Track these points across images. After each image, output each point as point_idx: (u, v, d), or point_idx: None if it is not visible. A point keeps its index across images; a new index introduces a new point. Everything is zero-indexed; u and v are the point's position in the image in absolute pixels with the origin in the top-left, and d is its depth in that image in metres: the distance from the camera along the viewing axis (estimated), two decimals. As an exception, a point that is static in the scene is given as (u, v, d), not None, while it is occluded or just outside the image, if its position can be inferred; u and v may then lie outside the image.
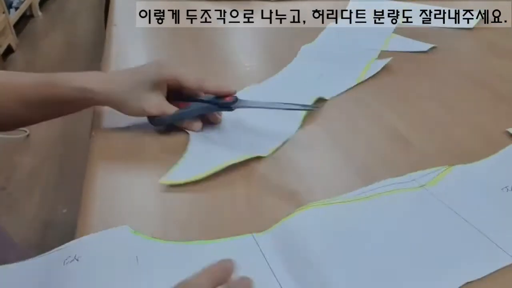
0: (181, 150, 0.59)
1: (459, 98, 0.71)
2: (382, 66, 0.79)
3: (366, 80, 0.76)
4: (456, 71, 0.80)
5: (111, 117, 0.67)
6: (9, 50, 2.96)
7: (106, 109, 0.69)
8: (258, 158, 0.58)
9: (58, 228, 1.59)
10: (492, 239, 0.44)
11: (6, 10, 2.90)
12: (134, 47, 0.96)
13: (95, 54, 2.93)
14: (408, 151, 0.59)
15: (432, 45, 0.88)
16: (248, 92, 0.73)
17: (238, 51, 0.90)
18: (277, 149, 0.60)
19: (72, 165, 1.90)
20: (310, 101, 0.68)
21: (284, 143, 0.61)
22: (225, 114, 0.65)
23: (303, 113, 0.66)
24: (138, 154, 0.60)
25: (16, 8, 3.24)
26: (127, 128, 0.64)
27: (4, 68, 2.51)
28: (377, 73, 0.78)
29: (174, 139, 0.62)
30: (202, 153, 0.59)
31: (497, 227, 0.46)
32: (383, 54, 0.85)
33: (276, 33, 0.96)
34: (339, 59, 0.85)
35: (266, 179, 0.55)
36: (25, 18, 3.60)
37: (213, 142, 0.61)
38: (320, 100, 0.70)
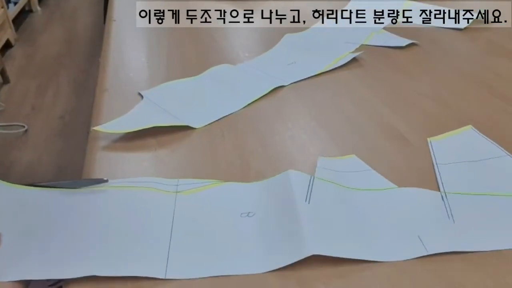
0: (178, 146, 0.61)
1: (456, 95, 0.72)
2: (351, 58, 0.83)
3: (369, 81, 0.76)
4: (455, 70, 0.80)
5: (109, 113, 0.68)
6: (7, 45, 2.95)
7: (105, 106, 0.70)
8: (190, 128, 0.64)
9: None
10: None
11: (5, 5, 2.88)
12: (133, 43, 0.97)
13: (94, 50, 2.92)
14: (406, 148, 0.59)
15: (411, 41, 0.89)
16: (220, 70, 0.82)
17: (238, 51, 0.90)
18: (210, 124, 0.66)
19: (70, 160, 1.90)
20: (268, 89, 0.74)
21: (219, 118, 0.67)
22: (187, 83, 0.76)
23: (255, 96, 0.73)
24: (136, 150, 0.61)
25: (15, 3, 3.23)
26: (125, 124, 0.65)
27: (2, 63, 2.50)
28: (375, 71, 0.79)
29: (172, 136, 0.63)
30: (142, 113, 0.68)
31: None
32: (363, 48, 0.88)
33: (276, 33, 0.96)
34: (315, 49, 0.90)
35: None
36: (24, 13, 3.58)
37: (158, 106, 0.70)
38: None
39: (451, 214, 0.48)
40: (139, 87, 0.76)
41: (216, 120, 0.67)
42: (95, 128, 0.63)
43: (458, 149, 0.59)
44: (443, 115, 0.67)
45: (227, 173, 0.56)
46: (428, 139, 0.61)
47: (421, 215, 0.49)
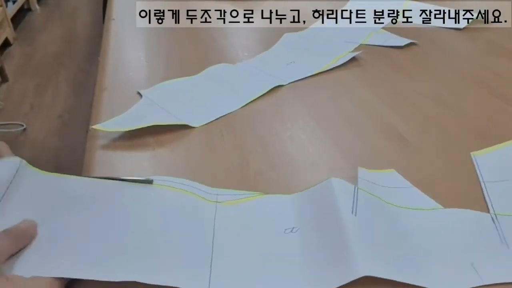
0: (177, 145, 0.61)
1: (456, 95, 0.72)
2: (351, 57, 0.82)
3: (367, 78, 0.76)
4: (455, 70, 0.80)
5: (109, 112, 0.68)
6: (6, 44, 2.95)
7: (104, 105, 0.70)
8: (189, 127, 0.64)
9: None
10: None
11: (4, 3, 2.88)
12: (132, 42, 0.97)
13: (93, 49, 2.92)
14: (407, 149, 0.59)
15: (410, 41, 0.89)
16: (219, 69, 0.82)
17: (237, 51, 0.90)
18: (209, 123, 0.66)
19: (68, 159, 1.90)
20: (267, 89, 0.74)
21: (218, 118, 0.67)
22: (187, 82, 0.76)
23: (254, 95, 0.72)
24: (134, 148, 0.61)
25: (14, 1, 3.23)
26: (124, 123, 0.65)
27: (1, 62, 2.50)
28: (375, 70, 0.79)
29: (171, 135, 0.63)
30: (141, 112, 0.68)
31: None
32: (363, 48, 0.88)
33: (276, 33, 0.96)
34: (315, 49, 0.90)
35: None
36: (23, 11, 3.58)
37: (157, 105, 0.69)
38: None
39: (504, 239, 0.45)
40: (138, 86, 0.76)
41: (215, 119, 0.67)
42: (94, 126, 0.62)
43: (505, 164, 0.55)
44: (443, 115, 0.67)
45: (225, 172, 0.56)
46: (472, 154, 0.57)
47: (472, 239, 0.45)
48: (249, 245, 0.45)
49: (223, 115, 0.68)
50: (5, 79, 2.55)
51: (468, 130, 0.63)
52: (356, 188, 0.49)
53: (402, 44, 0.88)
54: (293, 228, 0.46)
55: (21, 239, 0.39)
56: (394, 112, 0.68)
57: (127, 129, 0.62)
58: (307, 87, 0.75)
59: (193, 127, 0.65)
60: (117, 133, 0.63)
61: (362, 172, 0.53)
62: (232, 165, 0.57)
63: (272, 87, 0.74)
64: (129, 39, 0.98)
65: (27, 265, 0.39)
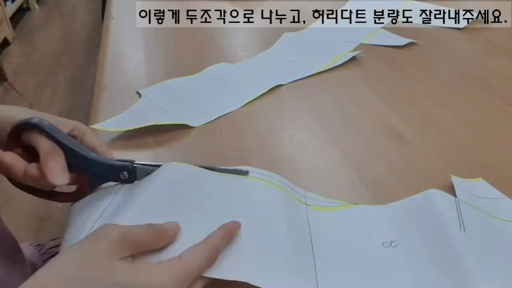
0: (176, 145, 0.61)
1: (455, 95, 0.72)
2: (350, 57, 0.82)
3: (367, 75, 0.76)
4: (454, 70, 0.80)
5: (108, 111, 0.68)
6: (5, 43, 2.95)
7: (103, 104, 0.70)
8: (188, 127, 0.64)
9: (54, 222, 1.59)
10: None
11: (3, 3, 2.88)
12: (131, 41, 0.97)
13: (92, 48, 2.91)
14: (406, 148, 0.59)
15: (410, 40, 0.89)
16: (219, 68, 0.82)
17: (237, 50, 0.90)
18: (208, 122, 0.66)
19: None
20: (267, 88, 0.74)
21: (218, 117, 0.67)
22: (186, 81, 0.77)
23: (253, 94, 0.72)
24: (134, 148, 0.61)
25: (13, 1, 3.23)
26: (123, 122, 0.65)
27: (0, 61, 2.50)
28: (374, 70, 0.79)
29: (170, 134, 0.63)
30: (140, 111, 0.67)
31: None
32: (362, 47, 0.87)
33: (275, 32, 0.96)
34: (314, 48, 0.90)
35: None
36: (22, 10, 3.58)
37: (156, 105, 0.69)
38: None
39: None
40: (137, 85, 0.75)
41: (215, 119, 0.66)
42: (93, 126, 0.62)
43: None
44: (442, 114, 0.67)
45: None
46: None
47: None
48: (349, 257, 0.42)
49: (223, 115, 0.67)
50: (4, 79, 2.55)
51: (467, 130, 0.63)
52: (457, 200, 0.46)
53: (402, 43, 0.88)
54: (392, 242, 0.44)
55: (162, 236, 0.39)
56: (393, 111, 0.68)
57: (126, 129, 0.62)
58: (307, 87, 0.75)
59: (193, 127, 0.64)
60: (116, 132, 0.62)
61: (457, 181, 0.50)
62: (232, 164, 0.56)
63: (272, 86, 0.74)
64: (129, 39, 0.98)
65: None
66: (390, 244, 0.43)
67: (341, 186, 0.53)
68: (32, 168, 0.44)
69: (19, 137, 0.45)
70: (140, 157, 0.59)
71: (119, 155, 0.59)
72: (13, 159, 0.44)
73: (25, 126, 0.44)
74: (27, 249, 0.75)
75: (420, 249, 0.42)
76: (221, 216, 0.41)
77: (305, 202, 0.48)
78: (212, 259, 0.38)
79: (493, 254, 0.41)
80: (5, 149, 0.45)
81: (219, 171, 0.46)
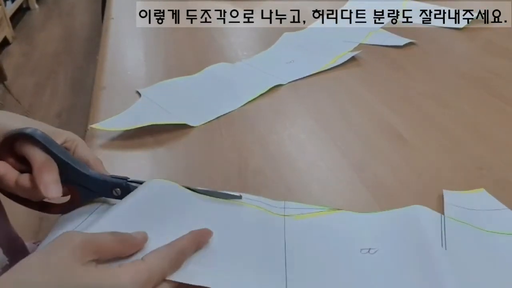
0: (176, 145, 0.61)
1: (455, 95, 0.72)
2: (350, 57, 0.82)
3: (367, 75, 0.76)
4: (453, 70, 0.80)
5: (107, 111, 0.68)
6: (5, 42, 2.95)
7: (103, 104, 0.70)
8: (188, 126, 0.64)
9: (53, 222, 1.59)
10: None
11: (2, 2, 2.88)
12: (131, 40, 0.96)
13: (92, 47, 2.91)
14: (405, 148, 0.59)
15: (409, 40, 0.89)
16: (219, 68, 0.81)
17: (236, 50, 0.90)
18: (208, 122, 0.66)
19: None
20: (266, 88, 0.74)
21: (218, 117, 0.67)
22: (186, 81, 0.77)
23: (253, 94, 0.72)
24: (133, 148, 0.60)
25: (13, 0, 3.23)
26: (123, 122, 0.65)
27: (0, 61, 2.50)
28: (374, 70, 0.79)
29: (170, 134, 0.63)
30: (139, 111, 0.67)
31: None
32: (362, 47, 0.87)
33: (275, 32, 0.95)
34: (314, 48, 0.89)
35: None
36: (22, 10, 3.58)
37: (156, 104, 0.69)
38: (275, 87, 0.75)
39: None
40: (137, 85, 0.75)
41: (214, 119, 0.66)
42: (93, 126, 0.62)
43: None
44: (442, 114, 0.67)
45: (224, 172, 0.55)
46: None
47: None
48: (324, 265, 0.42)
49: (223, 115, 0.67)
50: (4, 78, 2.55)
51: (467, 129, 0.63)
52: (442, 217, 0.46)
53: (401, 43, 0.88)
54: (370, 249, 0.43)
55: (128, 244, 0.38)
56: (393, 111, 0.68)
57: (126, 129, 0.62)
58: (307, 87, 0.75)
59: (192, 127, 0.64)
60: (116, 132, 0.62)
61: (448, 195, 0.50)
62: (231, 164, 0.57)
63: (272, 86, 0.74)
64: (128, 38, 0.98)
65: None
66: (369, 251, 0.43)
67: (340, 186, 0.53)
68: (24, 179, 0.43)
69: (11, 146, 0.45)
70: (139, 156, 0.59)
71: (118, 154, 0.59)
72: (4, 169, 0.44)
73: (18, 136, 0.44)
74: (31, 247, 0.75)
75: (398, 259, 0.42)
76: (190, 229, 0.42)
77: (284, 214, 0.48)
78: (177, 262, 0.38)
79: (478, 270, 0.41)
80: None
81: (212, 195, 0.47)
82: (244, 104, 0.70)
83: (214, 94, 0.73)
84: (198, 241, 0.40)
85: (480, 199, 0.50)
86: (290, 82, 0.76)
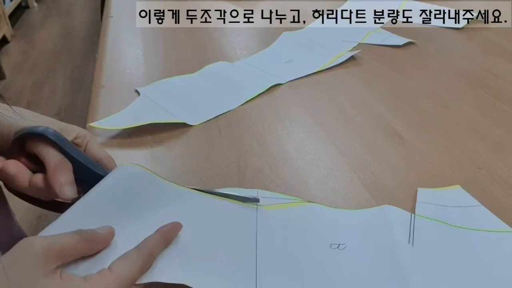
0: (175, 144, 0.61)
1: (453, 94, 0.71)
2: (349, 56, 0.82)
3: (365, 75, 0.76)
4: (452, 69, 0.80)
5: (106, 109, 0.68)
6: (3, 41, 2.94)
7: (101, 102, 0.70)
8: (187, 125, 0.64)
9: (51, 220, 1.59)
10: None
11: (1, 1, 2.87)
12: (130, 39, 0.96)
13: (91, 46, 2.91)
14: (404, 147, 0.59)
15: (409, 40, 0.89)
16: (218, 67, 0.81)
17: (236, 49, 0.90)
18: (207, 121, 0.66)
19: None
20: (265, 87, 0.74)
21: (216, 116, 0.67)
22: (185, 80, 0.77)
23: (252, 93, 0.72)
24: (132, 146, 0.60)
25: (11, -1, 3.22)
26: (122, 121, 0.65)
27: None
28: (373, 69, 0.79)
29: (168, 133, 0.63)
30: (138, 109, 0.67)
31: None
32: (361, 47, 0.87)
33: (275, 32, 0.95)
34: (313, 47, 0.89)
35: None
36: (21, 8, 3.57)
37: (155, 103, 0.69)
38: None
39: None
40: (136, 83, 0.75)
41: (213, 118, 0.66)
42: (92, 124, 0.62)
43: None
44: (440, 114, 0.67)
45: (223, 170, 0.55)
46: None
47: None
48: (294, 258, 0.43)
49: (221, 114, 0.67)
50: (2, 77, 2.54)
51: (465, 129, 0.63)
52: (412, 216, 0.47)
53: (401, 43, 0.88)
54: (340, 244, 0.44)
55: (92, 243, 0.37)
56: (392, 111, 0.68)
57: (124, 127, 0.62)
58: (305, 86, 0.75)
59: (191, 125, 0.64)
60: (114, 131, 0.62)
61: (422, 193, 0.51)
62: (230, 163, 0.57)
63: (271, 85, 0.74)
64: (127, 37, 0.98)
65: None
66: (338, 247, 0.44)
67: (339, 185, 0.53)
68: (38, 179, 0.42)
69: (22, 145, 0.44)
70: (138, 155, 0.59)
71: (117, 153, 0.59)
72: (17, 168, 0.43)
73: (30, 135, 0.43)
74: None
75: (365, 256, 0.43)
76: (161, 222, 0.41)
77: (257, 204, 0.48)
78: (146, 266, 0.37)
79: (446, 266, 0.41)
80: (8, 157, 0.44)
81: (229, 197, 0.47)
82: (243, 103, 0.70)
83: (213, 93, 0.73)
84: (167, 238, 0.39)
85: (454, 196, 0.51)
86: (289, 81, 0.76)
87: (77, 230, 0.36)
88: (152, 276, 0.37)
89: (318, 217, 0.48)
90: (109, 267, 0.35)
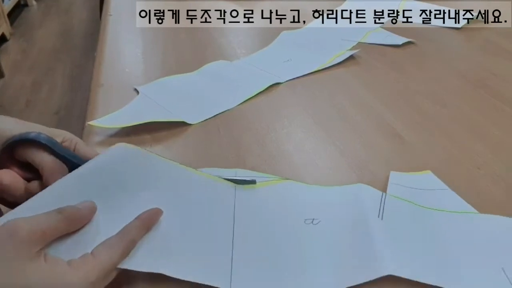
0: (174, 142, 0.61)
1: (452, 94, 0.71)
2: (348, 55, 0.82)
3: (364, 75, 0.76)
4: (452, 69, 0.80)
5: (105, 108, 0.68)
6: (2, 39, 2.94)
7: (100, 101, 0.70)
8: (186, 124, 0.64)
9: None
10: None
11: (0, -1, 2.87)
12: (129, 38, 0.96)
13: (90, 44, 2.91)
14: (403, 147, 0.59)
15: (408, 40, 0.89)
16: (217, 66, 0.81)
17: (235, 48, 0.90)
18: (206, 120, 0.65)
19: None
20: (264, 86, 0.74)
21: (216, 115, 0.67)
22: (184, 78, 0.77)
23: (251, 92, 0.72)
24: (131, 144, 0.60)
25: (10, -3, 3.22)
26: (120, 119, 0.64)
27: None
28: (372, 69, 0.79)
29: (167, 131, 0.63)
30: (137, 108, 0.67)
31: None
32: (360, 46, 0.87)
33: (275, 32, 0.95)
34: (312, 47, 0.89)
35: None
36: (19, 7, 3.57)
37: (154, 102, 0.69)
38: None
39: None
40: (135, 82, 0.75)
41: (212, 117, 0.66)
42: (90, 122, 0.62)
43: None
44: (440, 114, 0.67)
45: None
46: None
47: (503, 245, 0.44)
48: (270, 234, 0.44)
49: (220, 112, 0.67)
50: (1, 75, 2.54)
51: (465, 129, 0.63)
52: (384, 194, 0.49)
53: (400, 42, 0.88)
54: (314, 219, 0.46)
55: (74, 221, 0.38)
56: (391, 110, 0.67)
57: (123, 126, 0.62)
58: (304, 85, 0.75)
59: (190, 124, 0.64)
60: (113, 129, 0.62)
61: (394, 176, 0.53)
62: (229, 162, 0.57)
63: (270, 84, 0.74)
64: (126, 35, 0.98)
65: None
66: (312, 222, 0.46)
67: (338, 185, 0.53)
68: (34, 185, 0.42)
69: (12, 154, 0.43)
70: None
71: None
72: (10, 177, 0.43)
73: (21, 142, 0.42)
74: None
75: (339, 230, 0.45)
76: (143, 199, 0.42)
77: (235, 183, 0.49)
78: (126, 252, 0.38)
79: (412, 241, 0.44)
80: None
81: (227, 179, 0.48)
82: (242, 102, 0.70)
83: (212, 92, 0.73)
84: (147, 224, 0.41)
85: (425, 180, 0.53)
86: (288, 80, 0.76)
87: (58, 209, 0.37)
88: (131, 264, 0.38)
89: (294, 194, 0.49)
90: (91, 252, 0.36)
